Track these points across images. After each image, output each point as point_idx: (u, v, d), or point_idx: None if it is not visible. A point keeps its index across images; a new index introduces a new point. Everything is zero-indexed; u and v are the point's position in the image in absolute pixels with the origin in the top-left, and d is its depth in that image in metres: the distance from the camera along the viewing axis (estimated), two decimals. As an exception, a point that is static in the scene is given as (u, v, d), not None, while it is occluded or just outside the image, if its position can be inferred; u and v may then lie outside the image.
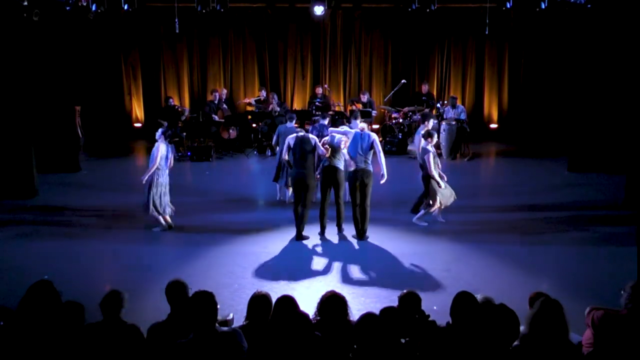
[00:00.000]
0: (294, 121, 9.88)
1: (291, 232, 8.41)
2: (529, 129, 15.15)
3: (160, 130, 8.67)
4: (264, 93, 14.76)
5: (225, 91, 14.93)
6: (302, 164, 8.15)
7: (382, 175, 8.22)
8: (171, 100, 14.47)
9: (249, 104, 14.83)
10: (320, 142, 8.24)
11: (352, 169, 8.24)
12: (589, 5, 11.12)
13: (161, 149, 8.39)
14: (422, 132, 9.25)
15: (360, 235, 8.29)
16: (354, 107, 10.55)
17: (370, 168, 8.21)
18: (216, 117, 14.21)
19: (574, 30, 12.59)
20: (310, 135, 8.36)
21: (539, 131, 14.83)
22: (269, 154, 13.53)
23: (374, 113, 14.29)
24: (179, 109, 14.37)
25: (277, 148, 9.92)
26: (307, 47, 15.73)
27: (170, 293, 4.28)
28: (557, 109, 14.37)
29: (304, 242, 8.23)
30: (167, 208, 8.59)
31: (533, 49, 15.09)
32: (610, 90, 11.58)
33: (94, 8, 12.44)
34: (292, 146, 8.25)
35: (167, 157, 8.47)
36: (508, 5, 12.65)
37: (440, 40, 15.75)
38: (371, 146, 8.18)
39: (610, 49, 11.44)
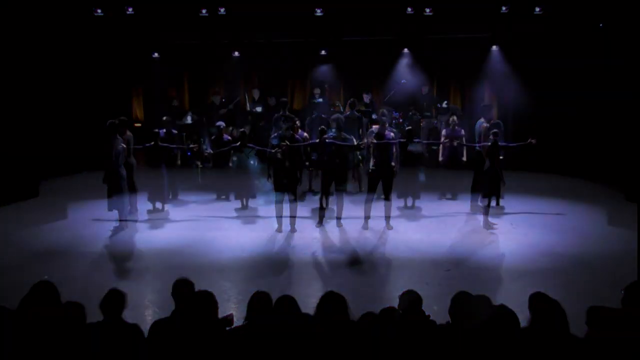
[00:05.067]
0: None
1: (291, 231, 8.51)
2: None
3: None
4: (257, 92, 14.73)
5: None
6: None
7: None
8: (175, 102, 14.45)
9: (252, 112, 14.71)
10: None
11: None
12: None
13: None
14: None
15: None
16: (354, 101, 10.64)
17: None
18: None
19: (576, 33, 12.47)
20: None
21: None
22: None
23: (374, 116, 14.18)
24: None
25: None
26: (307, 46, 15.68)
27: (177, 291, 4.30)
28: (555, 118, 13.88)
29: (303, 242, 8.24)
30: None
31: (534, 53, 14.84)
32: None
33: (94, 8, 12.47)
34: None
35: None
36: (503, 9, 12.64)
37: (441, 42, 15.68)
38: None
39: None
